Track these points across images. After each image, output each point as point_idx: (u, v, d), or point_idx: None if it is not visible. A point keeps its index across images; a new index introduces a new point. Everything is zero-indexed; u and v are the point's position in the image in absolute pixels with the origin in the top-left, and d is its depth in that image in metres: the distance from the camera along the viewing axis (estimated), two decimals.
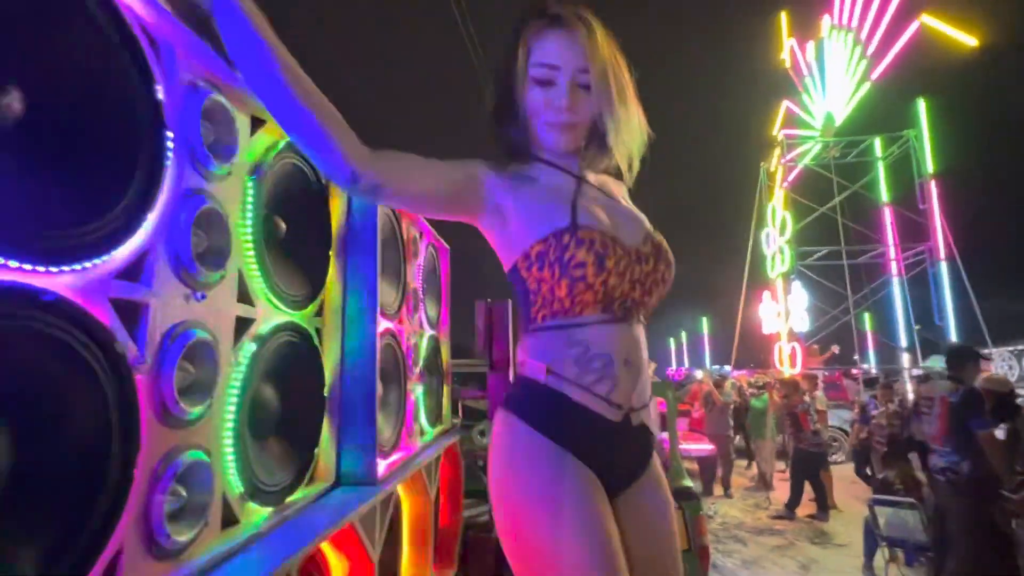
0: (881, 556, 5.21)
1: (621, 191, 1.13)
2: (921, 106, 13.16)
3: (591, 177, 1.07)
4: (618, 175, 1.11)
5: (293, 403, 1.13)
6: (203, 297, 0.82)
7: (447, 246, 2.31)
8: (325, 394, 1.23)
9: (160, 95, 0.72)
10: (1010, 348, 10.96)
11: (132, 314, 0.69)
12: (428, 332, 2.00)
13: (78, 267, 0.60)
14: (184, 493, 0.78)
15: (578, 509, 0.86)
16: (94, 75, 0.64)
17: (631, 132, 1.01)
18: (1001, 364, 10.72)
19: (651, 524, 0.97)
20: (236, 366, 0.92)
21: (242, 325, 0.95)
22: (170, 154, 0.74)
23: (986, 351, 11.38)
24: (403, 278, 1.65)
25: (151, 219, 0.70)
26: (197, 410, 0.79)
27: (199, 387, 0.81)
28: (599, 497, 0.90)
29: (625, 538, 0.92)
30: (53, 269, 0.57)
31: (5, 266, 0.52)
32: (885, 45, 12.94)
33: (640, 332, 0.99)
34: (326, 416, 1.25)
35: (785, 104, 15.82)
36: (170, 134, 0.74)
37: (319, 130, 0.78)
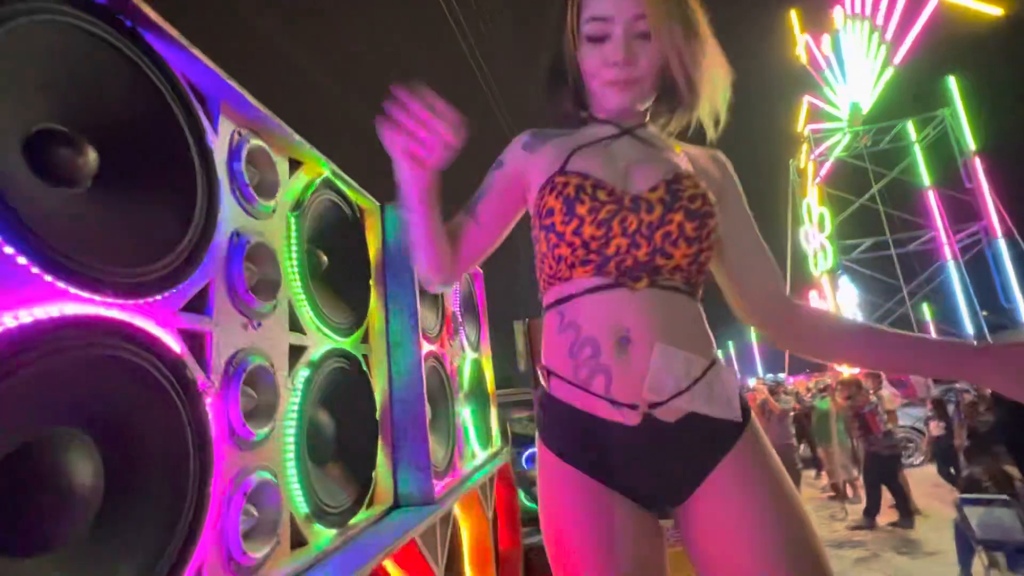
0: (979, 562, 4.80)
1: (691, 157, 0.93)
2: (952, 83, 12.71)
3: (646, 134, 0.93)
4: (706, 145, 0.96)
5: (347, 428, 1.17)
6: (259, 326, 0.88)
7: (480, 271, 2.36)
8: (377, 417, 1.27)
9: (211, 144, 0.80)
10: None
11: (198, 343, 0.75)
12: (471, 355, 2.03)
13: (150, 300, 0.66)
14: (255, 512, 0.82)
15: (577, 550, 0.76)
16: (154, 130, 0.72)
17: (707, 76, 0.87)
18: None
19: (736, 528, 0.75)
20: (293, 391, 0.97)
21: (295, 353, 1.00)
22: (222, 196, 0.81)
23: None
24: (441, 302, 1.70)
25: (211, 255, 0.77)
26: (262, 432, 0.84)
27: (261, 411, 0.86)
28: (609, 528, 0.77)
29: (709, 546, 0.77)
30: (128, 302, 0.63)
31: (91, 300, 0.58)
32: (904, 28, 12.66)
33: (658, 299, 0.80)
34: (380, 439, 1.28)
35: (807, 99, 15.57)
36: (222, 177, 0.81)
37: (439, 264, 0.88)
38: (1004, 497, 4.69)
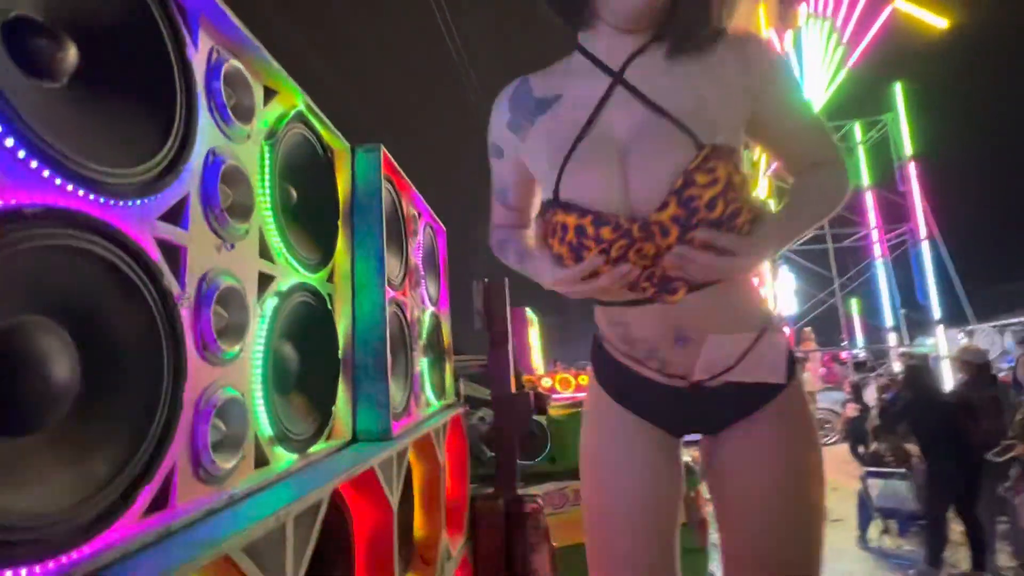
0: (875, 528, 5.34)
1: (712, 77, 0.81)
2: (897, 90, 13.43)
3: (645, 68, 0.80)
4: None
5: (311, 361, 1.19)
6: (232, 247, 0.88)
7: (443, 227, 2.37)
8: (339, 355, 1.30)
9: (191, 56, 0.79)
10: (993, 324, 11.19)
11: (173, 254, 0.75)
12: (430, 308, 2.06)
13: (128, 203, 0.66)
14: (223, 427, 0.84)
15: (607, 465, 0.94)
16: (135, 35, 0.71)
17: None
18: (984, 339, 10.96)
19: (749, 466, 0.87)
20: (261, 318, 0.99)
21: (264, 281, 1.01)
22: (200, 111, 0.80)
23: (969, 327, 11.64)
24: (405, 252, 1.72)
25: (187, 169, 0.77)
26: (232, 351, 0.86)
27: (232, 330, 0.87)
28: (643, 449, 0.92)
29: (727, 477, 0.90)
30: (109, 202, 0.63)
31: (73, 194, 0.58)
32: (860, 31, 13.20)
33: (700, 298, 0.79)
34: (341, 376, 1.31)
35: None
36: (200, 93, 0.80)
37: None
38: (902, 471, 5.21)
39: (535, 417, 3.86)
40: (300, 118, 1.17)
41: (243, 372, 0.91)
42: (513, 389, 2.59)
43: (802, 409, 0.90)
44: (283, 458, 1.03)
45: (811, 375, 8.11)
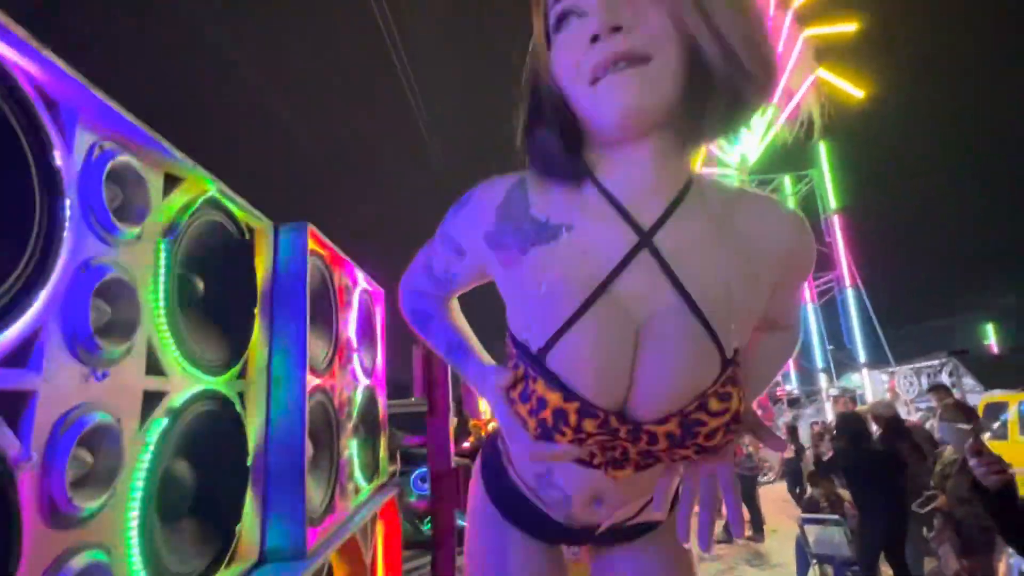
0: (813, 574, 5.42)
1: (742, 252, 0.64)
2: (822, 148, 14.60)
3: (682, 219, 0.62)
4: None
5: (212, 477, 1.04)
6: (104, 376, 0.74)
7: (381, 289, 2.25)
8: (248, 464, 1.14)
9: (57, 160, 0.66)
10: (911, 366, 11.94)
11: (17, 405, 0.61)
12: (363, 383, 1.92)
13: None
14: None
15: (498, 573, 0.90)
16: None
17: (751, 37, 0.57)
18: (902, 381, 11.69)
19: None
20: (144, 447, 0.84)
21: (152, 400, 0.87)
22: (67, 223, 0.68)
23: (891, 369, 12.42)
24: (335, 329, 1.59)
25: (43, 296, 0.64)
26: (94, 504, 0.71)
27: (98, 477, 0.73)
28: (534, 562, 0.91)
29: None
30: None
31: None
32: (788, 95, 14.33)
33: (637, 476, 0.69)
34: (250, 488, 1.15)
35: (705, 144, 17.05)
36: (68, 201, 0.68)
37: None
38: (836, 517, 5.35)
39: None
40: (211, 203, 1.05)
41: (112, 521, 0.76)
42: (452, 457, 2.45)
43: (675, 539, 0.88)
44: None
45: None
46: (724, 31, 0.56)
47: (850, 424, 5.04)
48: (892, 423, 4.64)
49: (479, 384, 0.76)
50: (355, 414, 1.80)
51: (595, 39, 0.58)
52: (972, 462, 1.76)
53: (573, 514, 0.82)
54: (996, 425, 7.07)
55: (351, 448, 1.73)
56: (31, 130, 0.63)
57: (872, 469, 4.39)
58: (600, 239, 0.63)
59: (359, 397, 1.85)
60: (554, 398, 0.58)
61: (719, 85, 0.58)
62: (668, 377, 0.58)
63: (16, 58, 0.62)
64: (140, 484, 0.82)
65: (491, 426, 5.88)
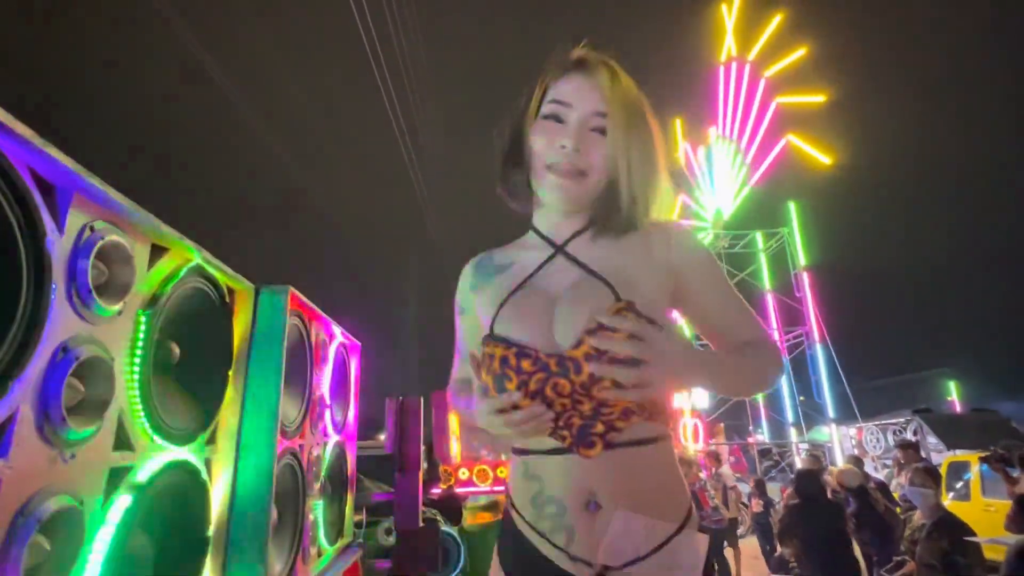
0: None
1: (639, 253, 0.90)
2: (792, 208, 15.23)
3: (585, 244, 0.91)
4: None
5: (170, 550, 1.01)
6: (72, 458, 0.73)
7: (358, 343, 2.25)
8: (208, 534, 1.11)
9: (51, 244, 0.68)
10: (876, 423, 12.10)
11: None
12: (334, 439, 1.89)
13: None
14: None
15: None
16: None
17: (650, 189, 0.88)
18: (869, 437, 11.85)
19: None
20: (104, 526, 0.82)
21: (116, 477, 0.85)
22: (55, 305, 0.68)
23: (857, 425, 12.60)
24: (308, 387, 1.58)
25: (20, 383, 0.64)
26: None
27: (54, 565, 0.71)
28: None
29: None
30: None
31: None
32: (761, 155, 15.06)
33: (618, 461, 0.79)
34: (210, 556, 1.12)
35: (681, 198, 17.64)
36: (55, 285, 0.69)
37: None
38: None
39: (446, 529, 3.62)
40: (196, 271, 1.06)
41: None
42: (419, 514, 2.39)
43: None
44: None
45: (727, 469, 8.30)
46: (634, 179, 0.87)
47: (806, 481, 4.99)
48: (857, 493, 4.68)
49: (476, 410, 0.84)
50: (323, 473, 1.76)
51: (563, 147, 0.86)
52: None
53: (577, 531, 0.79)
54: (959, 485, 7.16)
55: (316, 510, 1.69)
56: (27, 217, 0.65)
57: (828, 527, 4.36)
58: (531, 258, 0.94)
59: (328, 455, 1.82)
60: (499, 350, 0.80)
61: (619, 203, 0.89)
62: (574, 313, 0.80)
63: (15, 148, 0.64)
64: (97, 565, 0.79)
65: (461, 472, 5.75)
